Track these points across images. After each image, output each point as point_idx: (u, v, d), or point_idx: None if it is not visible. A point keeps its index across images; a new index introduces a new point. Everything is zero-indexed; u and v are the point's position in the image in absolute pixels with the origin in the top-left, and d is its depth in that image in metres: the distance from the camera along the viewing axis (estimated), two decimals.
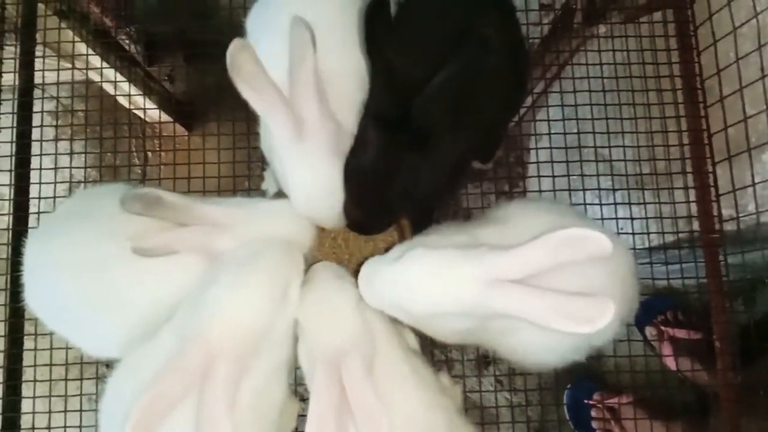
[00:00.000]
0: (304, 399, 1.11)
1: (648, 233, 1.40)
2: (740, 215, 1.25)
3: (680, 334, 1.77)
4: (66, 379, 1.34)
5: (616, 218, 1.39)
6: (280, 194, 1.11)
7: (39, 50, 1.43)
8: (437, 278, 0.87)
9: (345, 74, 1.06)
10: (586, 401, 1.83)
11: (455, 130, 1.04)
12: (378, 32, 1.00)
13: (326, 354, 0.92)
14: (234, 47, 0.94)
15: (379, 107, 1.01)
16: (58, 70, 1.46)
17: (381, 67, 1.01)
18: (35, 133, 1.40)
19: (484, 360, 1.90)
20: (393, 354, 0.99)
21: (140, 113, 1.82)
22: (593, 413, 1.81)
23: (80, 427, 1.29)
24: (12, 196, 1.35)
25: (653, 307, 1.86)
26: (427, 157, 1.00)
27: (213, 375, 0.84)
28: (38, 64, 1.42)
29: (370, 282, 0.95)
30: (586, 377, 1.88)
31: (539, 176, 1.44)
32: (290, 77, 0.97)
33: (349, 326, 0.95)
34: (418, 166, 1.00)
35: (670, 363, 1.71)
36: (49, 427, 1.29)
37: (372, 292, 0.95)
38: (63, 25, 1.47)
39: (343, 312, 0.96)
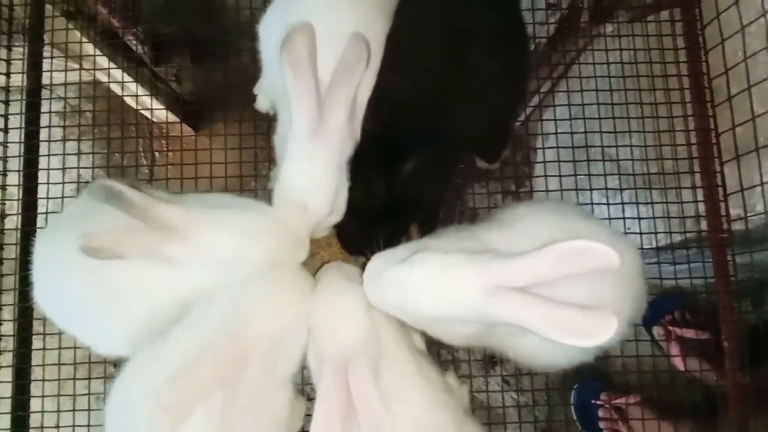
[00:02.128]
0: (310, 398, 1.11)
1: (656, 233, 1.40)
2: (748, 215, 1.24)
3: (688, 334, 1.76)
4: (74, 378, 1.34)
5: (624, 218, 1.39)
6: None
7: (47, 51, 1.43)
8: (441, 283, 0.87)
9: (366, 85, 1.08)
10: (593, 401, 1.82)
11: (444, 139, 1.07)
12: None
13: (334, 356, 0.92)
14: (297, 27, 0.98)
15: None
16: (66, 70, 1.47)
17: None
18: (43, 134, 1.41)
19: (491, 360, 1.90)
20: (401, 355, 0.99)
21: (147, 113, 1.83)
22: (600, 413, 1.80)
23: (89, 425, 1.29)
24: (21, 196, 1.35)
25: (661, 306, 1.85)
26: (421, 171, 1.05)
27: (250, 368, 0.88)
28: (46, 64, 1.43)
29: (375, 282, 0.94)
30: (593, 377, 1.87)
31: (546, 176, 1.43)
32: (332, 82, 1.01)
33: (357, 330, 0.95)
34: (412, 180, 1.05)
35: (678, 363, 1.71)
36: (57, 426, 1.30)
37: (376, 292, 0.94)
38: (71, 26, 1.47)
39: (351, 315, 0.96)
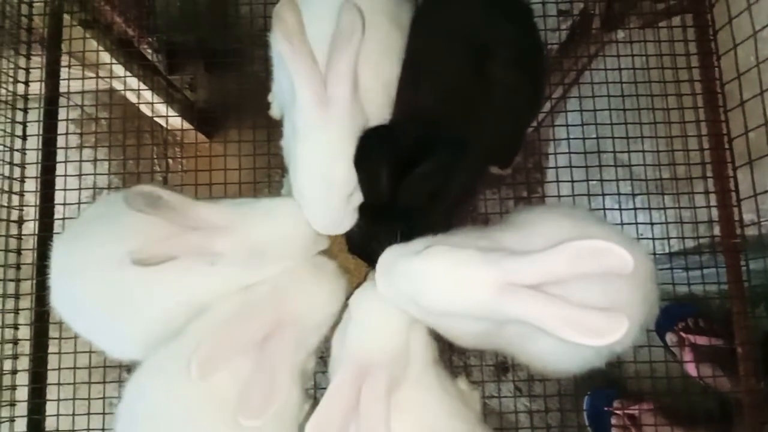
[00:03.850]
0: None
1: (668, 238, 1.39)
2: (762, 220, 1.24)
3: (701, 341, 1.75)
4: (89, 383, 1.36)
5: (636, 223, 1.39)
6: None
7: (64, 60, 1.46)
8: (454, 278, 0.87)
9: (373, 88, 1.08)
10: (606, 408, 1.81)
11: (466, 148, 1.06)
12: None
13: (358, 354, 0.93)
14: (281, 3, 0.99)
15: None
16: (83, 79, 1.50)
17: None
18: (60, 141, 1.43)
19: (503, 366, 1.89)
20: (424, 369, 1.00)
21: (162, 121, 1.85)
22: (613, 420, 1.79)
23: (103, 429, 1.30)
24: (38, 203, 1.37)
25: (674, 314, 1.84)
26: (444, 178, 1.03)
27: (281, 336, 0.93)
28: (63, 73, 1.45)
29: (388, 272, 0.94)
30: (606, 384, 1.86)
31: (558, 181, 1.43)
32: (330, 56, 0.99)
33: (391, 341, 0.96)
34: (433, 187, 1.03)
35: (691, 369, 1.70)
36: (72, 430, 1.31)
37: (389, 282, 0.94)
38: (87, 35, 1.49)
39: (393, 326, 0.97)
